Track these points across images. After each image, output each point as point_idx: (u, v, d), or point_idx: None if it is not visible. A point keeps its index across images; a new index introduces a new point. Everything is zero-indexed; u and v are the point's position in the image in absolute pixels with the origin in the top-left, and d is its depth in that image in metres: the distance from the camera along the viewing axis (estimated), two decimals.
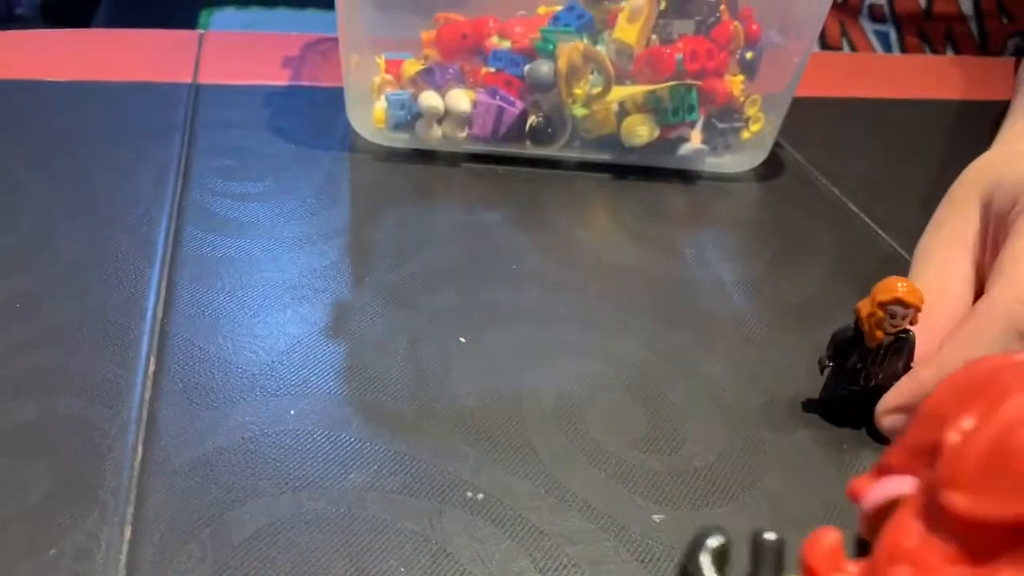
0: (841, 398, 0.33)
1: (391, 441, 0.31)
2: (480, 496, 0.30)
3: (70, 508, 0.28)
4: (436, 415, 0.33)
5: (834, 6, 0.75)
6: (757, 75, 0.49)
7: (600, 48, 0.46)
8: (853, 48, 0.78)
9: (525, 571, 0.27)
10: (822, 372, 0.33)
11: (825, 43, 0.78)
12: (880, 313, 0.31)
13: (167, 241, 0.41)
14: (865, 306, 0.31)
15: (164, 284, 0.38)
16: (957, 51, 0.76)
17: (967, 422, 0.20)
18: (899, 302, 0.30)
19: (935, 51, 0.76)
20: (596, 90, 0.47)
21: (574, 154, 0.50)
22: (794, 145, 0.54)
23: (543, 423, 0.33)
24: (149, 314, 0.36)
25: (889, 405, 0.32)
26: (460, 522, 0.29)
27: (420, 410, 0.33)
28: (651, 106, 0.47)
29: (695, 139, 0.49)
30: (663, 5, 0.46)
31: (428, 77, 0.48)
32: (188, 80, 0.56)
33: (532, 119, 0.48)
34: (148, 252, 0.40)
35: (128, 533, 0.27)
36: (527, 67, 0.47)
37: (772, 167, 0.51)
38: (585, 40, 0.46)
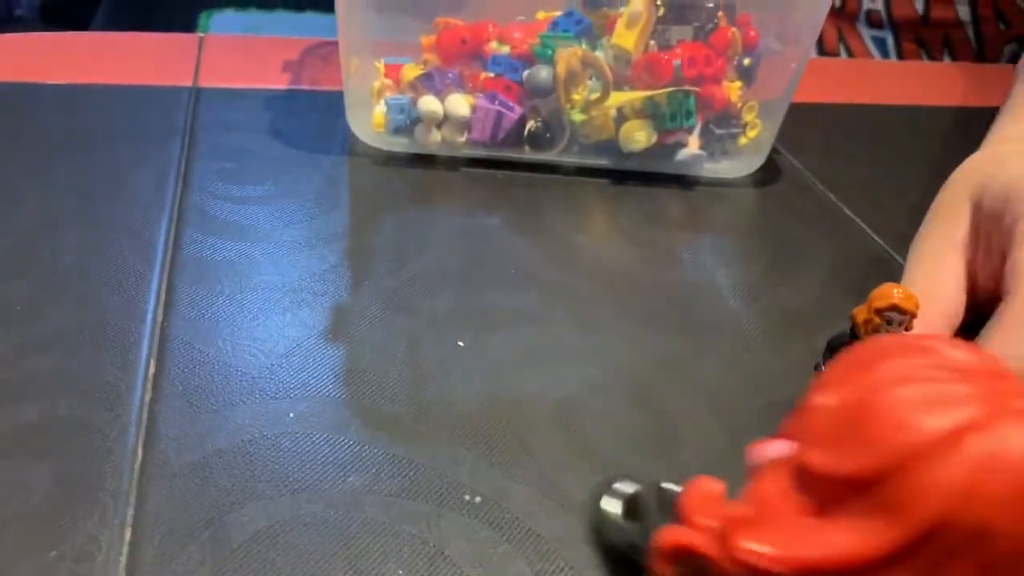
0: None
1: (390, 444, 0.32)
2: (478, 499, 0.30)
3: (70, 510, 0.28)
4: (434, 418, 0.33)
5: (832, 12, 0.76)
6: (755, 81, 0.49)
7: (599, 54, 0.47)
8: (851, 54, 0.78)
9: (522, 574, 0.27)
10: None
11: (823, 49, 0.78)
12: (876, 319, 0.31)
13: (167, 244, 0.41)
14: (861, 312, 0.31)
15: (164, 287, 0.38)
16: (954, 57, 0.76)
17: (834, 389, 0.22)
18: (895, 308, 0.31)
19: (932, 57, 0.76)
20: (594, 95, 0.47)
21: (572, 159, 0.50)
22: (791, 151, 0.54)
23: (541, 426, 0.33)
24: (149, 317, 0.37)
25: None
26: (458, 525, 0.29)
27: (418, 413, 0.33)
28: (649, 112, 0.48)
29: (693, 145, 0.49)
30: (661, 11, 0.46)
31: (427, 82, 0.48)
32: (188, 83, 0.56)
33: (531, 124, 0.48)
34: (148, 255, 0.40)
35: (128, 535, 0.27)
36: (526, 72, 0.47)
37: (769, 173, 0.51)
38: (584, 46, 0.47)
